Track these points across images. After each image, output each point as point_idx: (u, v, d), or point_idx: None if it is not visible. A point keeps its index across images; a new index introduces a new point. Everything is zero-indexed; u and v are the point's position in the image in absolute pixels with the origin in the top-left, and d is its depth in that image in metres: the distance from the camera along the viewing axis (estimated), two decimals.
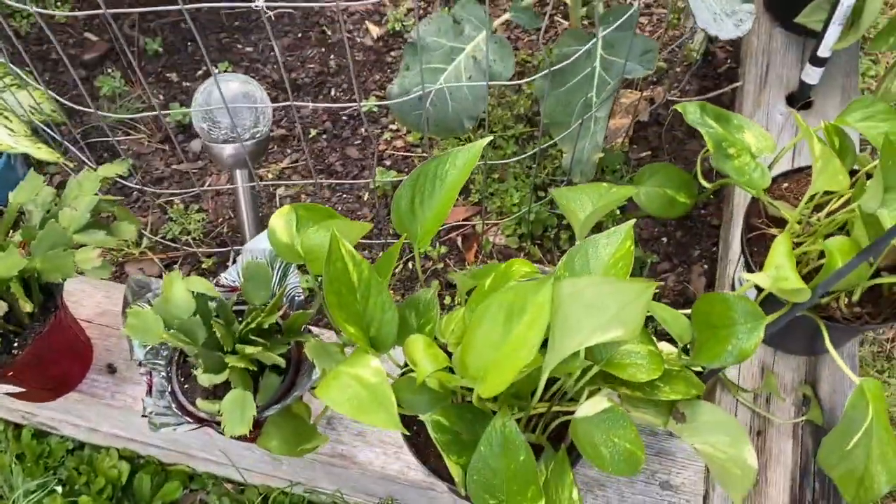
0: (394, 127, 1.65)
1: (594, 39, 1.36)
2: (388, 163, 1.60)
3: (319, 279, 1.08)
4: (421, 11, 1.79)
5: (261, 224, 1.53)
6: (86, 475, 1.47)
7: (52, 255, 1.04)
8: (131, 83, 1.74)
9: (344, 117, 1.66)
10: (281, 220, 1.05)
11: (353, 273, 0.87)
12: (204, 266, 1.47)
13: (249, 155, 1.40)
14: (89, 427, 1.41)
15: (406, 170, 1.59)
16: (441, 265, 1.46)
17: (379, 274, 0.89)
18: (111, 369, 1.26)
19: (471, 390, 0.95)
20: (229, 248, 1.49)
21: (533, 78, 1.25)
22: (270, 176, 1.60)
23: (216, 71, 1.74)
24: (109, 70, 1.76)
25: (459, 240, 1.49)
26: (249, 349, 0.96)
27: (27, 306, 1.03)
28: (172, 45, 1.79)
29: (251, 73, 1.74)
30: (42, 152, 1.35)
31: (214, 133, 1.39)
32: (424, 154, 1.60)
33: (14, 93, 1.40)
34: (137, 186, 1.43)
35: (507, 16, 1.46)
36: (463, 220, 1.52)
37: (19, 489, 1.46)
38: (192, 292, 0.99)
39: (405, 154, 1.61)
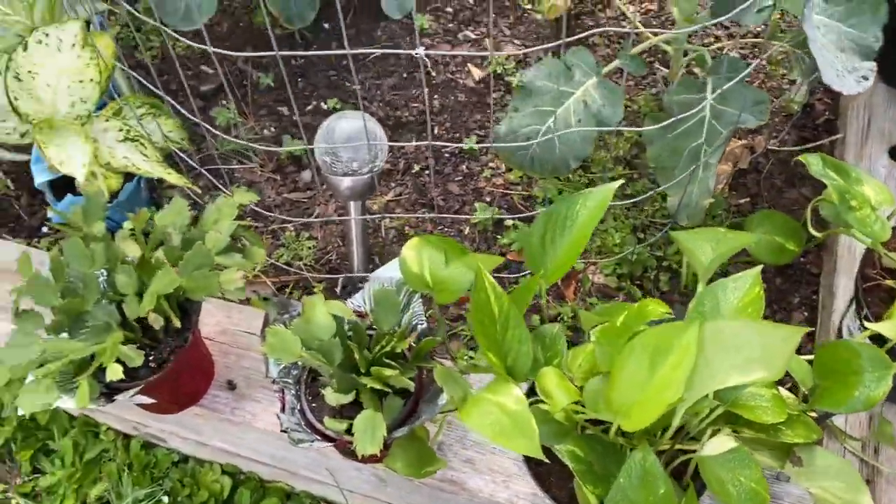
0: (493, 165, 1.71)
1: (705, 88, 1.40)
2: (487, 199, 1.66)
3: (445, 308, 1.12)
4: (521, 55, 1.86)
5: (369, 253, 1.59)
6: (189, 487, 1.53)
7: (199, 275, 1.11)
8: (245, 115, 1.84)
9: (446, 154, 1.73)
10: (412, 251, 1.11)
11: (494, 305, 0.92)
12: (315, 290, 1.54)
13: (365, 188, 1.47)
14: (197, 441, 1.48)
15: (505, 206, 1.64)
16: (543, 300, 1.50)
17: (516, 307, 0.94)
18: (231, 386, 1.33)
19: (597, 423, 0.99)
20: (340, 275, 1.55)
21: (646, 128, 1.30)
22: (376, 207, 1.67)
23: (335, 108, 1.83)
24: (224, 102, 1.86)
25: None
26: (388, 372, 1.01)
27: (176, 322, 1.10)
28: (281, 78, 1.89)
29: (357, 108, 1.82)
30: (173, 177, 1.44)
31: (336, 166, 1.46)
32: (524, 192, 1.66)
33: (149, 122, 1.51)
34: (272, 215, 1.51)
35: (615, 63, 1.52)
36: None
37: (128, 497, 1.53)
38: (333, 315, 1.05)
39: (504, 191, 1.66)
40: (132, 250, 1.10)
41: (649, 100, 1.72)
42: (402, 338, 1.05)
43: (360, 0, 1.99)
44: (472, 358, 1.44)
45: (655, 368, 0.81)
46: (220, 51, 1.17)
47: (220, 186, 1.52)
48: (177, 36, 1.25)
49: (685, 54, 1.65)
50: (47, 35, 1.23)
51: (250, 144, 1.35)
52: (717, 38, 1.88)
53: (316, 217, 1.67)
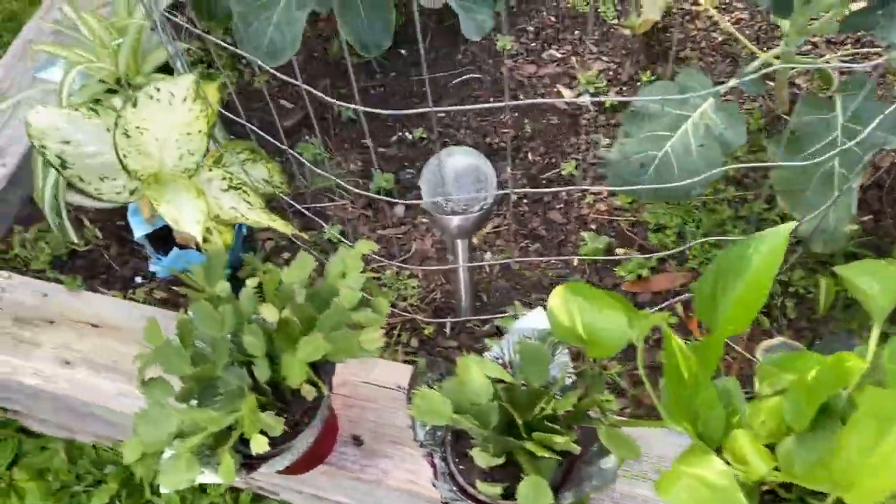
0: (593, 190, 1.65)
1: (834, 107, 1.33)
2: (593, 226, 1.60)
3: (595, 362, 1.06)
4: (611, 74, 1.79)
5: (476, 291, 1.54)
6: None
7: (338, 337, 1.06)
8: (329, 149, 1.79)
9: (543, 181, 1.67)
10: (559, 301, 1.05)
11: (683, 369, 0.86)
12: (426, 332, 1.49)
13: (474, 226, 1.42)
14: (315, 495, 1.43)
15: (613, 234, 1.58)
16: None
17: (704, 368, 0.88)
18: (357, 441, 1.28)
19: (785, 486, 0.92)
20: (448, 317, 1.50)
21: (772, 165, 1.23)
22: (475, 240, 1.61)
23: (422, 137, 1.77)
24: (307, 137, 1.82)
25: (680, 307, 1.47)
26: (557, 438, 0.95)
27: (324, 389, 1.06)
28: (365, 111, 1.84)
29: (444, 137, 1.77)
30: (278, 224, 1.39)
31: (446, 206, 1.41)
32: (632, 217, 1.59)
33: (251, 168, 1.46)
34: (382, 259, 1.46)
35: (732, 83, 1.45)
36: (680, 286, 1.50)
37: None
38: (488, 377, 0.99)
39: (610, 217, 1.60)
40: (271, 315, 1.05)
41: (759, 117, 1.65)
42: (566, 398, 1.00)
43: (436, 24, 1.94)
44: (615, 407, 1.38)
45: (884, 437, 0.75)
46: (308, 87, 1.12)
47: (312, 228, 1.47)
48: (271, 70, 1.20)
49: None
50: (158, 90, 1.18)
51: (340, 182, 1.30)
52: (815, 45, 1.80)
53: (413, 253, 1.62)
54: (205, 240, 1.22)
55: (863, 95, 1.31)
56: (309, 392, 1.01)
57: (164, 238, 1.50)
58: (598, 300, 1.03)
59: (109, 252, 1.66)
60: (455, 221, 1.43)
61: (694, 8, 1.86)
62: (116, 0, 1.60)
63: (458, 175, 1.39)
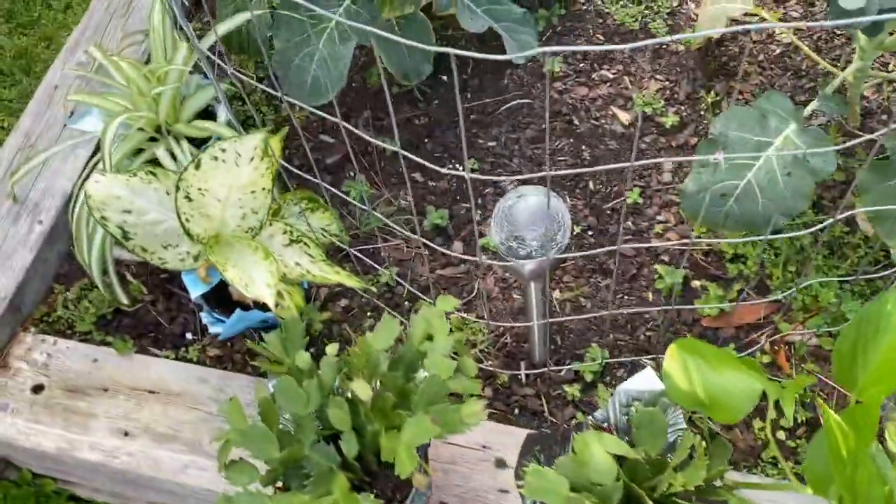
0: (661, 218, 1.58)
1: None
2: (665, 258, 1.52)
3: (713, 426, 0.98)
4: (668, 93, 1.72)
5: (549, 333, 1.46)
6: None
7: (440, 413, 0.99)
8: (376, 185, 1.72)
9: (607, 211, 1.60)
10: (676, 363, 0.98)
11: (842, 446, 0.79)
12: (500, 381, 1.41)
13: (549, 268, 1.34)
14: None
15: (686, 265, 1.51)
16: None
17: (861, 444, 0.81)
18: None
19: None
20: (523, 366, 1.43)
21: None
22: None
23: (473, 169, 1.69)
24: (351, 174, 1.74)
25: (765, 343, 1.40)
26: None
27: (429, 472, 0.98)
28: (410, 143, 1.77)
29: (497, 167, 1.70)
30: (341, 276, 1.32)
31: (519, 250, 1.33)
32: (706, 247, 1.52)
33: (309, 217, 1.38)
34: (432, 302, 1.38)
35: (812, 105, 1.38)
36: (763, 318, 1.43)
37: None
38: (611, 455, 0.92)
39: (682, 248, 1.53)
40: (364, 393, 0.98)
41: (835, 133, 1.57)
42: (697, 470, 0.92)
43: (478, 48, 1.86)
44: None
45: None
46: (346, 125, 1.05)
47: (367, 272, 1.39)
48: (309, 108, 1.13)
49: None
50: (224, 150, 1.10)
51: (391, 225, 1.22)
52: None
53: (475, 293, 1.55)
54: (277, 304, 1.14)
55: None
56: (420, 482, 0.93)
57: (219, 295, 1.43)
58: (719, 360, 0.96)
59: (157, 307, 1.58)
60: (529, 266, 1.35)
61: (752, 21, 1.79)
62: (154, 46, 1.52)
63: (530, 215, 1.31)
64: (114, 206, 1.09)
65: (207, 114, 1.58)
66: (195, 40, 1.28)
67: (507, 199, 1.37)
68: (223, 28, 1.52)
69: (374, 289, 1.49)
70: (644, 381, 1.07)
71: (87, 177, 1.52)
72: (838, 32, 1.74)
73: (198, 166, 1.11)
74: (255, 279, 1.15)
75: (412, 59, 1.78)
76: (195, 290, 1.37)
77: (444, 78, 1.84)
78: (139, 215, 1.12)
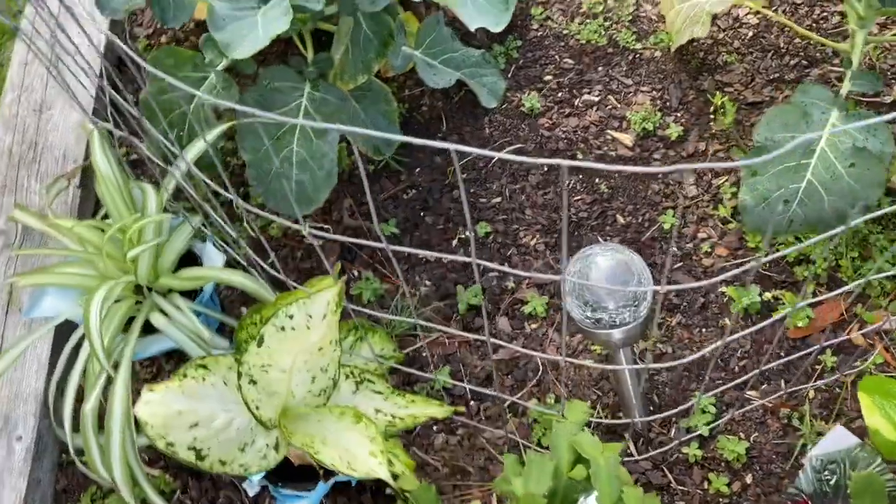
0: (703, 235, 1.48)
1: None
2: (746, 278, 1.42)
3: None
4: (659, 103, 1.63)
5: (645, 396, 1.34)
6: None
7: None
8: (387, 278, 1.53)
9: (647, 241, 1.49)
10: (875, 417, 0.87)
11: None
12: None
13: (639, 331, 1.21)
14: None
15: (751, 279, 1.42)
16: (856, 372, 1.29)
17: None
18: None
19: None
20: (626, 445, 1.29)
21: None
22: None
23: (487, 233, 1.53)
24: (356, 272, 1.54)
25: (879, 349, 1.32)
26: None
27: None
28: (408, 220, 1.59)
29: (512, 224, 1.55)
30: (431, 408, 1.15)
31: (602, 321, 1.19)
32: (770, 265, 1.43)
33: (360, 348, 1.19)
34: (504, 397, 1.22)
35: (846, 87, 1.32)
36: (845, 313, 1.36)
37: None
38: None
39: (738, 261, 1.44)
40: None
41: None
42: None
43: (444, 102, 1.71)
44: None
45: None
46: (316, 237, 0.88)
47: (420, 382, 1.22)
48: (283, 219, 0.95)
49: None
50: (291, 317, 0.90)
51: (425, 323, 1.07)
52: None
53: (541, 370, 1.40)
54: (394, 476, 0.95)
55: None
56: None
57: (280, 469, 1.20)
58: None
59: (190, 494, 1.33)
60: (616, 335, 1.22)
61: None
62: (105, 194, 1.27)
63: (610, 278, 1.18)
64: (178, 424, 0.86)
65: (189, 259, 1.35)
66: (165, 185, 1.06)
67: (574, 265, 1.23)
68: (191, 156, 1.29)
69: (461, 408, 1.31)
70: (835, 441, 0.96)
71: (66, 370, 1.26)
72: (831, 4, 1.70)
73: (260, 343, 0.90)
74: (356, 454, 0.95)
75: (378, 130, 1.61)
76: (256, 476, 1.13)
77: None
78: (208, 424, 0.89)
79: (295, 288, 1.01)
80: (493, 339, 1.03)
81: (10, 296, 1.43)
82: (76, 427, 1.26)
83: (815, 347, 1.08)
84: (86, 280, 1.24)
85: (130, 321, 1.26)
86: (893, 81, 1.57)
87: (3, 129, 1.65)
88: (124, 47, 0.86)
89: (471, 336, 1.13)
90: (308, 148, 1.41)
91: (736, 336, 1.09)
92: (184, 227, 1.31)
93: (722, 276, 0.80)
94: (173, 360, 1.46)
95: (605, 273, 1.20)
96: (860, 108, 1.52)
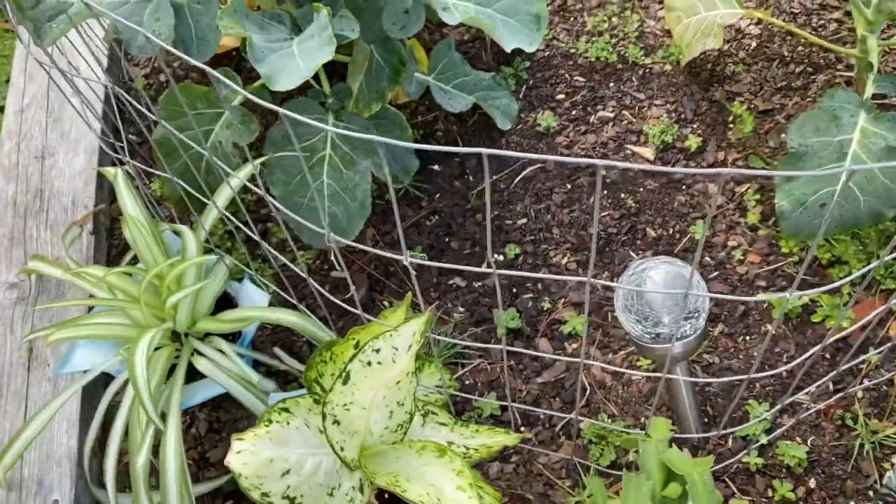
0: (733, 243, 1.49)
1: None
2: (762, 283, 1.43)
3: None
4: (674, 116, 1.64)
5: (700, 408, 1.33)
6: None
7: None
8: (417, 306, 1.50)
9: (680, 254, 1.49)
10: None
11: None
12: None
13: (697, 343, 1.20)
14: None
15: (785, 283, 1.42)
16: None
17: None
18: None
19: None
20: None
21: None
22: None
23: (516, 255, 1.51)
24: (386, 303, 1.51)
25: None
26: None
27: None
28: (432, 247, 1.57)
29: (540, 244, 1.54)
30: (499, 436, 1.11)
31: (661, 335, 1.18)
32: (797, 256, 1.45)
33: (419, 377, 1.15)
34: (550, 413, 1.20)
35: (870, 90, 1.34)
36: (883, 309, 1.38)
37: None
38: None
39: (772, 267, 1.45)
40: None
41: None
42: None
43: (459, 126, 1.70)
44: None
45: None
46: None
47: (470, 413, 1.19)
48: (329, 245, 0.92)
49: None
50: (378, 351, 0.86)
51: (469, 346, 1.05)
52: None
53: (590, 391, 1.38)
54: None
55: None
56: None
57: None
58: None
59: None
60: (677, 349, 1.21)
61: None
62: (137, 240, 1.22)
63: (665, 296, 1.17)
64: (270, 473, 0.82)
65: (225, 301, 1.30)
66: (203, 226, 1.02)
67: (626, 282, 1.22)
68: (222, 200, 1.25)
69: (529, 435, 1.28)
70: None
71: (104, 427, 1.20)
72: (826, 12, 1.74)
73: (346, 380, 0.87)
74: (443, 488, 0.92)
75: (397, 160, 1.59)
76: None
77: (436, 167, 1.66)
78: (299, 470, 0.85)
79: (369, 321, 0.98)
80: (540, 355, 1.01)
81: (30, 352, 1.36)
82: (119, 486, 1.19)
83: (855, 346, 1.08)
84: (121, 330, 1.19)
85: (171, 369, 1.20)
86: None
87: (4, 179, 1.58)
88: (126, 95, 0.83)
89: (528, 351, 1.11)
90: (338, 179, 1.38)
91: (817, 349, 1.08)
92: (219, 268, 1.27)
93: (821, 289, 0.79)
94: (206, 409, 1.40)
95: (660, 286, 1.19)
96: (880, 110, 1.55)
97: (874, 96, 1.36)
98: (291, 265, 1.15)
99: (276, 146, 1.36)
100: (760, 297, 1.00)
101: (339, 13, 1.22)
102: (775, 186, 1.34)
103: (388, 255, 0.86)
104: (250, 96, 0.79)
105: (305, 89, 1.56)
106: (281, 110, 0.77)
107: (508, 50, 1.25)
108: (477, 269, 0.84)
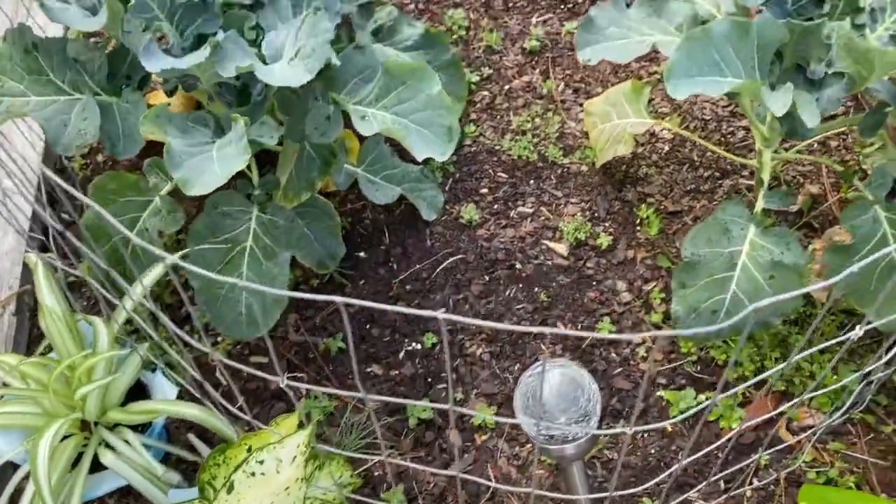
0: (638, 340, 1.57)
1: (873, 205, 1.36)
2: (663, 381, 1.51)
3: None
4: (588, 214, 1.73)
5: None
6: None
7: None
8: (337, 398, 1.54)
9: (587, 348, 1.56)
10: None
11: None
12: None
13: (590, 444, 1.26)
14: None
15: (683, 380, 1.50)
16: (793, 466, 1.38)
17: None
18: None
19: None
20: None
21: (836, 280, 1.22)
22: None
23: (434, 344, 1.57)
24: (303, 390, 1.54)
25: (808, 447, 1.41)
26: None
27: None
28: (354, 334, 1.61)
29: (457, 334, 1.60)
30: None
31: (554, 436, 1.24)
32: (696, 354, 1.52)
33: (317, 477, 1.19)
34: None
35: (760, 204, 1.44)
36: (774, 412, 1.45)
37: None
38: None
39: (673, 365, 1.52)
40: None
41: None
42: None
43: (387, 216, 1.76)
44: None
45: None
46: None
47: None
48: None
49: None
50: (262, 462, 0.90)
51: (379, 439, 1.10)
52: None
53: (492, 491, 1.42)
54: None
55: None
56: None
57: None
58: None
59: None
60: (569, 450, 1.27)
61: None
62: (52, 330, 1.25)
63: (561, 397, 1.24)
64: None
65: (138, 391, 1.33)
66: (116, 317, 1.05)
67: (524, 384, 1.28)
68: (140, 287, 1.29)
69: None
70: None
71: None
72: (736, 120, 1.86)
73: (230, 489, 0.90)
74: None
75: (323, 246, 1.64)
76: None
77: (362, 254, 1.72)
78: None
79: (260, 429, 1.02)
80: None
81: None
82: None
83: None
84: (30, 419, 1.21)
85: (78, 458, 1.22)
86: (797, 191, 1.73)
87: None
88: (61, 182, 0.87)
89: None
90: (258, 271, 1.43)
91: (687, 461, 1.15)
92: (132, 359, 1.30)
93: None
94: (114, 498, 1.41)
95: (555, 389, 1.25)
96: (772, 216, 1.66)
97: (765, 210, 1.46)
98: (213, 350, 1.18)
99: (199, 238, 1.41)
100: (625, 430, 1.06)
101: (261, 119, 1.29)
102: (672, 291, 1.43)
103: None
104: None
105: (236, 179, 1.62)
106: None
107: (420, 159, 1.32)
108: (349, 393, 0.88)
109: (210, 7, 1.36)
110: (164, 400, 1.26)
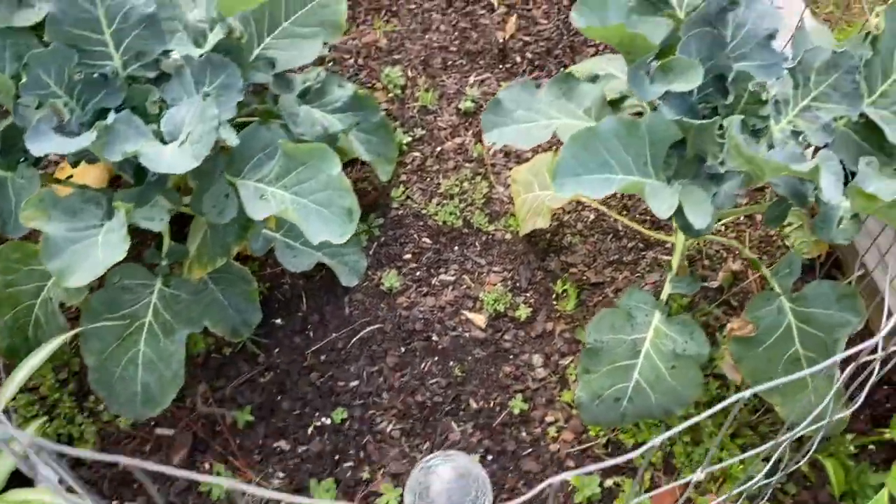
0: (550, 419, 1.54)
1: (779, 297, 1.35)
2: (571, 463, 1.48)
3: None
4: (510, 284, 1.71)
5: None
6: None
7: None
8: (240, 471, 1.51)
9: (498, 427, 1.53)
10: None
11: None
12: None
13: None
14: None
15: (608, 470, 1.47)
16: None
17: None
18: None
19: None
20: None
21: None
22: None
23: (343, 419, 1.54)
24: (208, 465, 1.51)
25: None
26: None
27: None
28: (263, 407, 1.58)
29: (369, 409, 1.57)
30: None
31: None
32: (606, 437, 1.50)
33: None
34: None
35: (667, 290, 1.42)
36: (680, 496, 1.43)
37: None
38: None
39: (583, 447, 1.50)
40: None
41: (702, 313, 1.63)
42: None
43: (306, 282, 1.74)
44: None
45: None
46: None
47: None
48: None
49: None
50: None
51: None
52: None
53: None
54: None
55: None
56: None
57: None
58: None
59: None
60: None
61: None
62: None
63: (451, 490, 1.22)
64: None
65: (19, 475, 1.29)
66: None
67: (416, 478, 1.26)
68: (37, 359, 1.26)
69: None
70: None
71: None
72: None
73: None
74: None
75: (238, 312, 1.61)
76: None
77: (278, 321, 1.69)
78: None
79: None
80: None
81: None
82: None
83: None
84: None
85: None
86: (720, 266, 1.72)
87: None
88: None
89: None
90: (155, 348, 1.40)
91: None
92: (10, 445, 1.26)
93: None
94: None
95: (447, 481, 1.23)
96: (684, 298, 1.64)
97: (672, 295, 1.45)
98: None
99: (94, 315, 1.38)
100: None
101: (152, 202, 1.27)
102: (577, 376, 1.40)
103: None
104: None
105: (145, 246, 1.58)
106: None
107: (316, 242, 1.29)
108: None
109: (112, 82, 1.33)
110: (40, 490, 1.22)
